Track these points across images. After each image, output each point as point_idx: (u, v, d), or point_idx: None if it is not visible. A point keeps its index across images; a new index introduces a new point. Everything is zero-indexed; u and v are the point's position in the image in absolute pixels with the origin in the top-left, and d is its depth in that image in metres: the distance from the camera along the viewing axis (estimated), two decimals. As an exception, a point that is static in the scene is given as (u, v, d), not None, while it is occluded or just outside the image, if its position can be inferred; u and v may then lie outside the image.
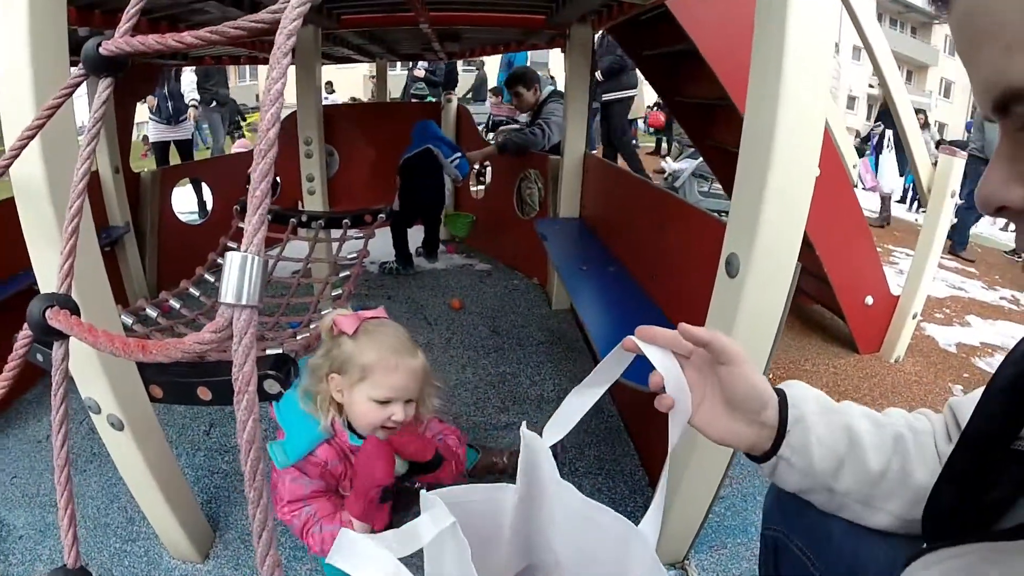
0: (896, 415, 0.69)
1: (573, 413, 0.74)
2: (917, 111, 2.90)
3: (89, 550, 1.50)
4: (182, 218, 3.56)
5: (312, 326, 1.89)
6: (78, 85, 0.81)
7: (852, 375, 2.54)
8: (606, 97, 4.96)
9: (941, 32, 25.84)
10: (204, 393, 1.29)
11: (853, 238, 2.48)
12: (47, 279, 1.05)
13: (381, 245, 3.73)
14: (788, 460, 0.66)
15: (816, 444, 0.64)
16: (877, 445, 0.65)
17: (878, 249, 2.73)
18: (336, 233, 2.65)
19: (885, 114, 6.69)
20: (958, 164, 2.39)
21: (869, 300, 2.60)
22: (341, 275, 2.32)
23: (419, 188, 3.38)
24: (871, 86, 7.64)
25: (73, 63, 1.06)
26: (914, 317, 2.63)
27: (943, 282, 4.18)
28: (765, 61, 0.96)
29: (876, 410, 0.70)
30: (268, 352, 1.39)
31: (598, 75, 4.88)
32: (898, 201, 7.20)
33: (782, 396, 0.67)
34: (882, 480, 0.64)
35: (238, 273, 0.41)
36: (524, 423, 0.76)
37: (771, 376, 2.39)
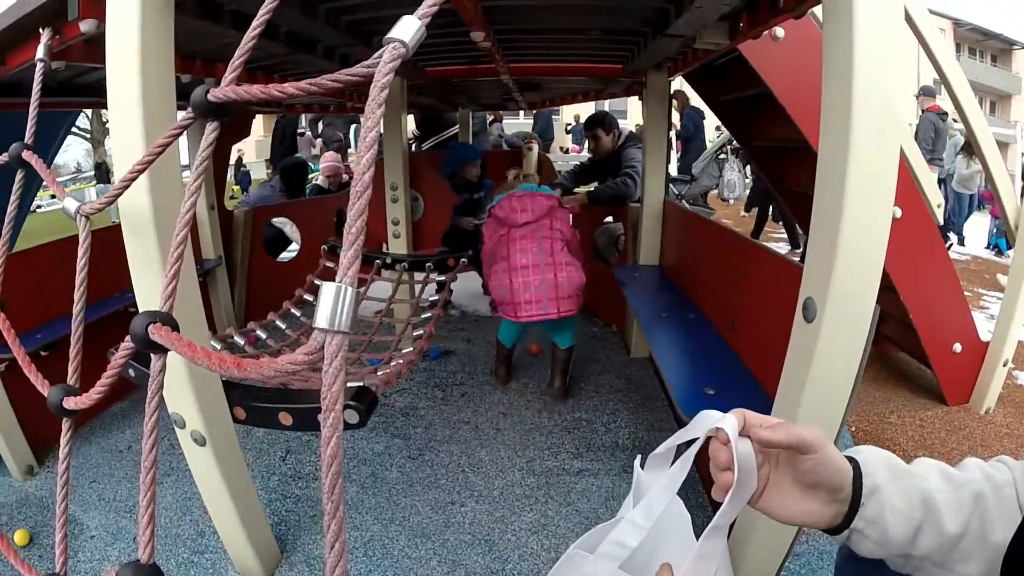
0: (973, 468, 0.65)
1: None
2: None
3: (158, 557, 1.54)
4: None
5: (392, 363, 1.94)
6: (187, 127, 0.89)
7: (939, 428, 2.36)
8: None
9: (1022, 58, 24.42)
10: (286, 418, 1.34)
11: (939, 282, 2.34)
12: (146, 300, 1.14)
13: (463, 289, 3.79)
14: (862, 532, 0.62)
15: (891, 514, 0.61)
16: (955, 507, 0.61)
17: (966, 293, 2.57)
18: (419, 276, 2.74)
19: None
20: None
21: (957, 347, 2.43)
22: (422, 316, 2.39)
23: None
24: (954, 120, 7.36)
25: (178, 106, 1.17)
26: (1005, 364, 2.44)
27: (1038, 327, 3.85)
28: (834, 105, 0.96)
29: None
30: (349, 385, 1.44)
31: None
32: (985, 248, 6.81)
33: (855, 465, 0.63)
34: (960, 542, 0.60)
35: (332, 301, 0.44)
36: (639, 458, 0.73)
37: (854, 429, 2.31)
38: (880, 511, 0.61)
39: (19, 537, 1.65)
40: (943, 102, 4.39)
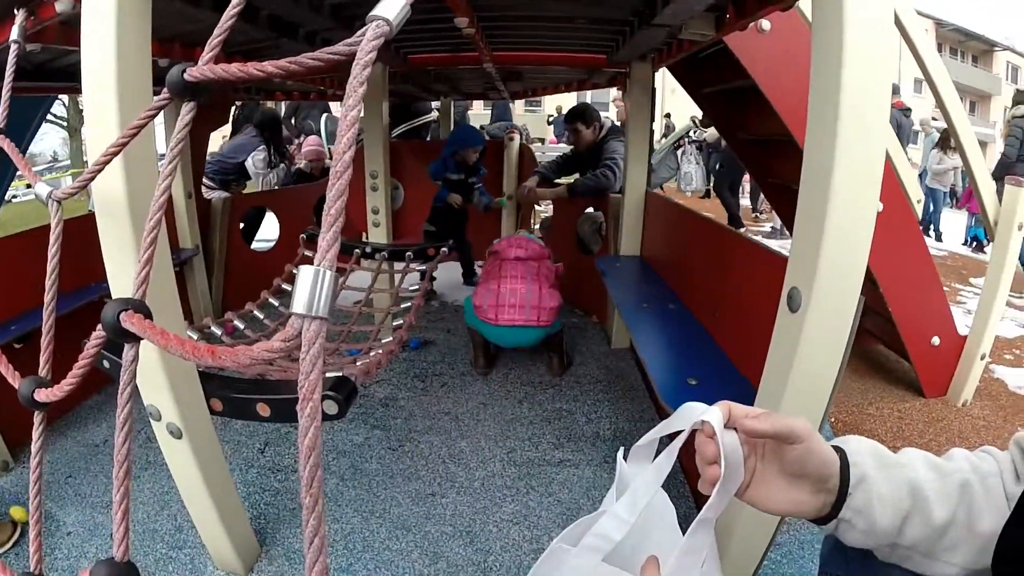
0: (960, 458, 0.65)
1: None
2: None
3: (135, 553, 1.54)
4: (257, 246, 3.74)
5: (372, 353, 1.92)
6: (162, 108, 0.86)
7: (917, 420, 2.40)
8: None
9: (1003, 59, 24.88)
10: (263, 409, 1.32)
11: (919, 276, 2.36)
12: (120, 287, 1.11)
13: (443, 279, 3.76)
14: (849, 521, 0.62)
15: (878, 503, 0.61)
16: (942, 496, 0.61)
17: (944, 288, 2.60)
18: (399, 265, 2.72)
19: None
20: (1024, 195, 2.27)
21: (935, 340, 2.47)
22: (402, 306, 2.38)
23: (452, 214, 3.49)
24: (934, 119, 7.53)
25: (155, 92, 1.14)
26: (982, 358, 2.48)
27: (1012, 321, 3.93)
28: (823, 99, 0.96)
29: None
30: (328, 375, 1.42)
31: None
32: (963, 244, 6.94)
33: (841, 454, 0.63)
34: (947, 531, 0.60)
35: (310, 285, 0.42)
36: (621, 450, 0.72)
37: (834, 420, 2.33)
38: (867, 500, 0.61)
39: (17, 513, 1.65)
40: (924, 100, 4.44)
